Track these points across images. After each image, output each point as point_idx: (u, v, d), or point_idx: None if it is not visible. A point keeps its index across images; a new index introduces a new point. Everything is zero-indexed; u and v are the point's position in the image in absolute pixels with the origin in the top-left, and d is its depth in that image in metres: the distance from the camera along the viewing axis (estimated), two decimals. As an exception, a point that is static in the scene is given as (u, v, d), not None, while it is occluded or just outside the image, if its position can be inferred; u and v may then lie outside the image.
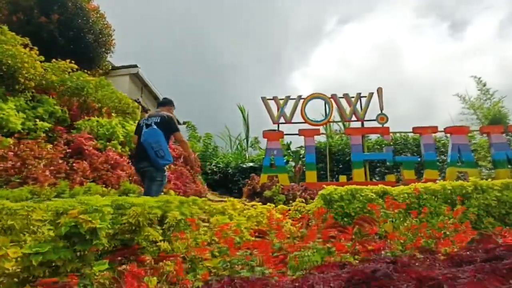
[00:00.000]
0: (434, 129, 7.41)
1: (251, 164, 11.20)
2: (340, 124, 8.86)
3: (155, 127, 3.60)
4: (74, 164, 3.98)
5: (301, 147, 11.24)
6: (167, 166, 3.90)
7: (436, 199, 4.77)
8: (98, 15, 7.02)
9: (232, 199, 4.39)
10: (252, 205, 4.31)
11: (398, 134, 9.75)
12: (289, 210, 4.55)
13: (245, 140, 12.90)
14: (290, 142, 11.71)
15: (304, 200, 5.36)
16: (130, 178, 4.83)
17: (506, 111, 7.81)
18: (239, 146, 13.26)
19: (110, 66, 8.56)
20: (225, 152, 13.33)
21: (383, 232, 3.11)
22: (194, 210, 2.75)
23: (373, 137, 9.93)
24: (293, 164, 11.12)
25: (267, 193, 6.81)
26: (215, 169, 11.50)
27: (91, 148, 4.45)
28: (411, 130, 7.50)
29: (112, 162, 4.51)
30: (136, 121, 6.23)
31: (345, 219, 4.65)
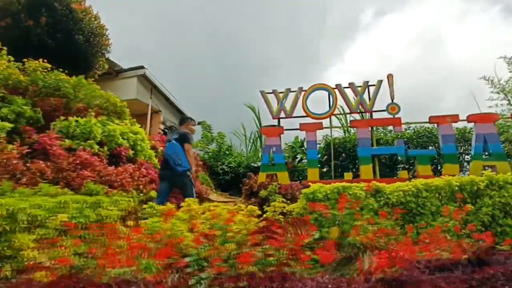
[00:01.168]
0: (454, 117, 6.50)
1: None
2: (349, 116, 8.14)
3: (174, 142, 4.64)
4: (28, 165, 3.81)
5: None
6: (188, 173, 4.66)
7: (440, 198, 4.04)
8: (89, 15, 6.98)
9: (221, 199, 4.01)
10: (221, 207, 3.89)
11: (421, 126, 8.81)
12: (264, 211, 4.06)
13: (258, 139, 12.49)
14: (304, 139, 11.12)
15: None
16: (103, 179, 4.61)
17: None
18: (253, 146, 12.89)
19: (107, 66, 8.51)
20: (239, 152, 13.03)
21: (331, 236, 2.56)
22: (105, 212, 2.39)
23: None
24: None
25: (263, 192, 6.33)
26: (226, 169, 11.21)
27: (55, 148, 4.28)
28: (427, 120, 6.66)
29: (77, 162, 4.31)
30: (125, 120, 6.08)
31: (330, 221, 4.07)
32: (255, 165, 10.61)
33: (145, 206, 3.10)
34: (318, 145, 10.60)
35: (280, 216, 4.33)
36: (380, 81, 6.92)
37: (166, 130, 11.62)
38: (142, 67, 10.53)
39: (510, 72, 6.99)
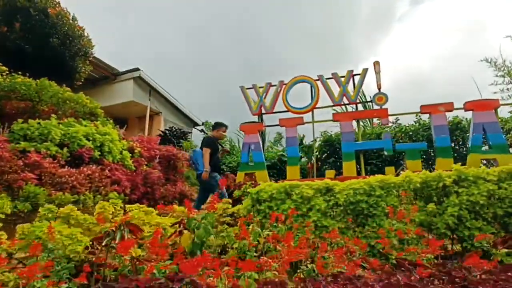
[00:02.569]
0: (448, 106, 5.78)
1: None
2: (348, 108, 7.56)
3: (199, 147, 5.12)
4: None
5: (314, 141, 10.09)
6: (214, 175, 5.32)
7: (398, 197, 3.51)
8: (64, 18, 6.97)
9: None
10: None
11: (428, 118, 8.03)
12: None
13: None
14: (303, 136, 10.61)
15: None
16: (54, 181, 4.51)
17: None
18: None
19: (91, 68, 8.55)
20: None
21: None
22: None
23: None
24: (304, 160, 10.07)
25: (237, 193, 5.99)
26: (226, 170, 10.95)
27: (3, 150, 4.23)
28: (418, 110, 5.99)
29: (21, 164, 4.23)
30: (96, 122, 6.00)
31: (275, 224, 3.67)
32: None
33: (41, 209, 2.90)
34: (317, 142, 10.12)
35: (228, 218, 4.00)
36: (366, 70, 6.32)
37: (167, 131, 11.59)
38: (137, 69, 10.56)
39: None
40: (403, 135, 8.61)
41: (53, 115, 5.24)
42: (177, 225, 2.37)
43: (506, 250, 2.83)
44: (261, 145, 6.72)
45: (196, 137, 13.62)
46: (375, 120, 9.20)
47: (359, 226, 3.46)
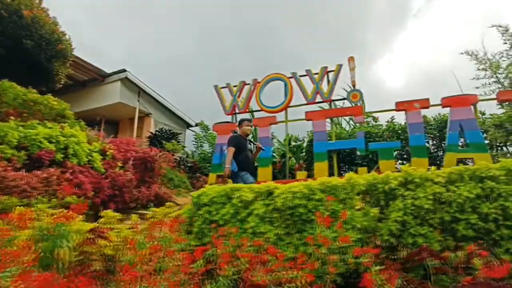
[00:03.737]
0: (424, 102, 5.46)
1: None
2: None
3: (226, 146, 4.90)
4: None
5: (302, 141, 9.85)
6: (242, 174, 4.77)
7: (343, 200, 3.25)
8: (41, 21, 6.92)
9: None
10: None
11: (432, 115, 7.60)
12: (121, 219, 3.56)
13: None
14: (291, 136, 10.34)
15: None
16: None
17: None
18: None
19: (71, 71, 8.52)
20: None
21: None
22: None
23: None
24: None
25: (194, 194, 5.81)
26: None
27: None
28: (394, 108, 5.68)
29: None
30: (69, 121, 5.94)
31: (214, 230, 3.46)
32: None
33: None
34: (304, 141, 9.83)
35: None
36: (340, 66, 6.04)
37: (157, 133, 11.50)
38: (124, 70, 10.50)
39: (505, 43, 5.75)
40: (390, 133, 8.25)
41: (11, 117, 5.18)
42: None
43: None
44: (234, 146, 6.52)
45: (190, 138, 13.51)
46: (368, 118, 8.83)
47: (298, 232, 3.22)
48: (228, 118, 7.02)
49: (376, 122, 9.12)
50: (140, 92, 11.37)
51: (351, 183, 3.21)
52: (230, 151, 4.74)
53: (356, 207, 3.32)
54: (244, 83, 6.66)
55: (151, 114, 12.15)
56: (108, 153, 6.68)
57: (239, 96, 6.62)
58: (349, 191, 3.20)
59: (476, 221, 2.79)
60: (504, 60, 5.53)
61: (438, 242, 2.84)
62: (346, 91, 9.87)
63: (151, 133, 11.57)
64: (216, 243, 3.07)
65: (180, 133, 12.01)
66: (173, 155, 10.67)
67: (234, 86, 6.73)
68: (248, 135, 5.06)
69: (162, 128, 11.59)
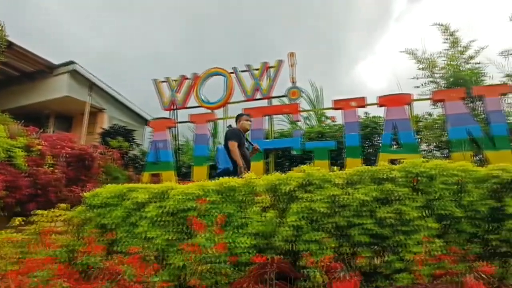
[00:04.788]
0: (360, 101, 5.32)
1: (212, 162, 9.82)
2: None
3: (220, 146, 4.51)
4: None
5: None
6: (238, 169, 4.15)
7: (241, 202, 3.00)
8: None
9: None
10: None
11: (366, 115, 7.50)
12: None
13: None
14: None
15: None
16: None
17: (478, 68, 5.21)
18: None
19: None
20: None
21: None
22: None
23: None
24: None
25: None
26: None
27: None
28: (331, 106, 5.50)
29: None
30: None
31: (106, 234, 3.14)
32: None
33: None
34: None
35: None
36: (280, 61, 5.82)
37: (110, 130, 10.96)
38: (72, 62, 9.92)
39: (445, 42, 5.68)
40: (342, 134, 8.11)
41: None
42: None
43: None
44: (170, 143, 6.18)
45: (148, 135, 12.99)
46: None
47: (192, 237, 2.94)
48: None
49: (333, 122, 8.99)
50: (92, 86, 10.78)
51: (250, 184, 2.96)
52: (234, 146, 4.10)
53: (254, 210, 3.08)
54: (184, 78, 6.32)
55: (104, 109, 11.57)
56: (34, 149, 6.19)
57: (178, 91, 6.29)
58: (247, 193, 2.95)
59: (371, 226, 2.60)
60: (443, 60, 5.48)
61: (332, 249, 2.63)
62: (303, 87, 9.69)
63: (103, 129, 11.00)
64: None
65: (135, 130, 11.48)
66: (126, 153, 10.18)
67: (175, 80, 6.39)
68: (247, 131, 4.61)
69: (115, 124, 11.04)
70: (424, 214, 2.58)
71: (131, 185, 3.33)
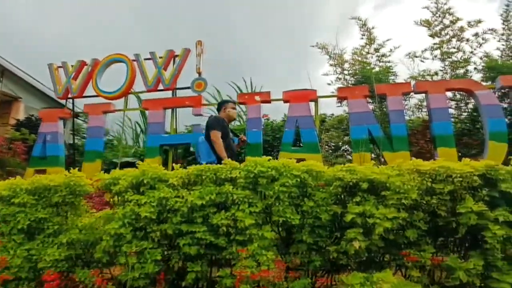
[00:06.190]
0: (265, 96, 5.02)
1: (129, 159, 9.08)
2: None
3: (200, 137, 3.73)
4: None
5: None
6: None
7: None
8: None
9: None
10: None
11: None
12: None
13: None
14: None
15: None
16: None
17: (389, 68, 5.16)
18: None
19: None
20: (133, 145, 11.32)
21: None
22: None
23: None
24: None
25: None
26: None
27: None
28: (237, 100, 5.14)
29: None
30: None
31: None
32: (118, 161, 8.94)
33: None
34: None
35: None
36: (185, 50, 5.35)
37: (24, 121, 9.89)
38: (-26, 43, 8.82)
39: (362, 38, 5.52)
40: (269, 131, 7.81)
41: None
42: None
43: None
44: (61, 136, 5.48)
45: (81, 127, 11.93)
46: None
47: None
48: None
49: (266, 119, 8.67)
50: (4, 71, 9.64)
51: (72, 184, 2.46)
52: (216, 136, 3.48)
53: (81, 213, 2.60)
54: (83, 63, 5.64)
55: (20, 98, 10.43)
56: None
57: (75, 78, 5.61)
58: (68, 194, 2.45)
59: (203, 235, 2.20)
60: (357, 57, 5.34)
61: (158, 262, 2.21)
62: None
63: (18, 120, 9.89)
64: None
65: (56, 122, 10.46)
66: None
67: (73, 65, 5.69)
68: (233, 120, 4.03)
69: (32, 115, 9.96)
70: (261, 222, 2.23)
71: (19, 181, 2.66)
